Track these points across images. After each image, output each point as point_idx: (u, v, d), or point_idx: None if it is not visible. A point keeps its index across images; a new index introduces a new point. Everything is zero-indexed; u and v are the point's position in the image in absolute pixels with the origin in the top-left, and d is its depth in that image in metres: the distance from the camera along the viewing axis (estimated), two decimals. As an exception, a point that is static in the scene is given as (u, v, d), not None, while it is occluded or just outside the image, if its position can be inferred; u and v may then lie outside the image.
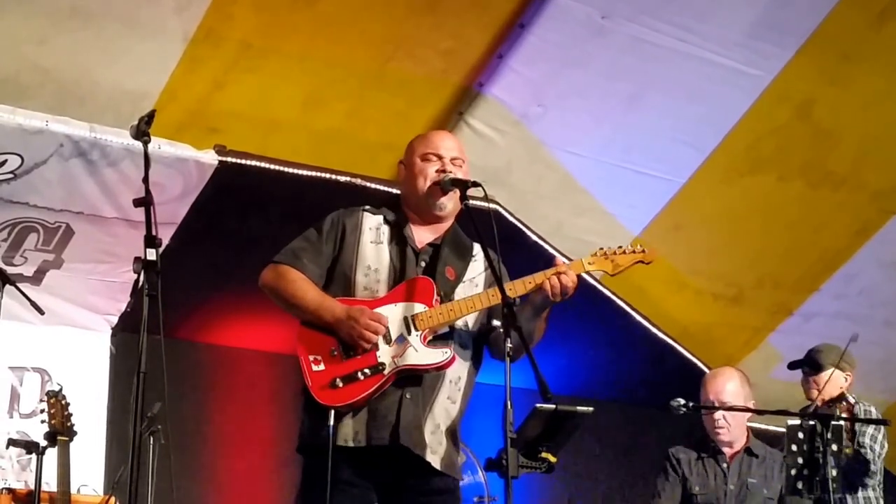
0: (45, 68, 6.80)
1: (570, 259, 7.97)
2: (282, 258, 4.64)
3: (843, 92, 7.72)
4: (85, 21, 6.66)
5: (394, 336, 4.45)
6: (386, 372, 4.41)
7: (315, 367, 4.45)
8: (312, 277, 4.59)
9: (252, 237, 7.47)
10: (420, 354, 4.45)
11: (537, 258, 7.82)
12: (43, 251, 7.46)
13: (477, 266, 4.76)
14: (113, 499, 6.32)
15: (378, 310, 4.46)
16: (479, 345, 4.75)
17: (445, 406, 4.59)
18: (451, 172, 4.66)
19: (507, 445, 4.47)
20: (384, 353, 4.42)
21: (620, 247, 4.71)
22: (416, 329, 4.47)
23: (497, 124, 7.67)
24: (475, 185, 4.81)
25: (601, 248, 4.68)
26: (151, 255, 4.50)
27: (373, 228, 4.72)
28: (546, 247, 8.10)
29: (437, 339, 4.52)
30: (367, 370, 4.40)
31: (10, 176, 7.00)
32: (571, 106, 7.68)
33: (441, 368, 4.49)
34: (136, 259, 4.59)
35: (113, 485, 6.76)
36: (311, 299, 4.53)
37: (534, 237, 8.09)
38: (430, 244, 4.71)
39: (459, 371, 4.62)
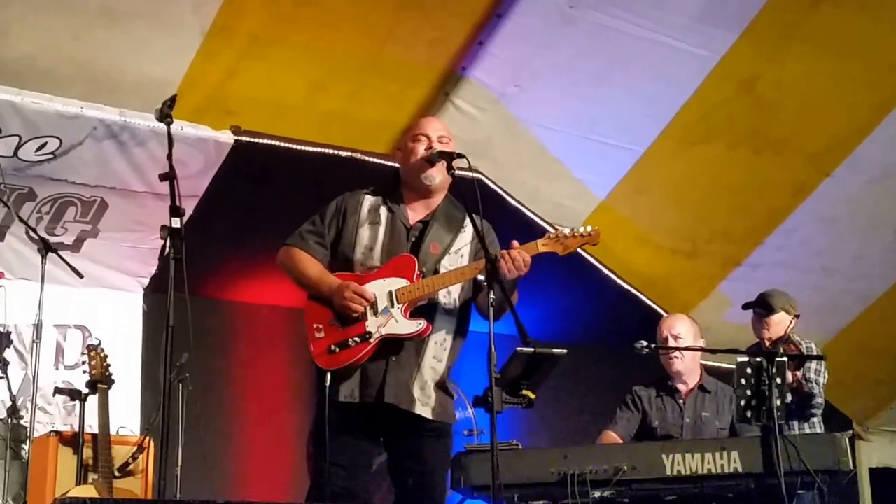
0: (80, 61, 6.79)
1: (547, 222, 8.08)
2: (291, 241, 4.80)
3: (781, 68, 7.73)
4: (113, 19, 6.65)
5: (380, 308, 4.55)
6: (372, 340, 4.53)
7: (317, 335, 4.62)
8: (316, 256, 4.73)
9: (265, 207, 7.52)
10: (400, 325, 4.55)
11: (518, 222, 7.94)
12: (81, 222, 7.44)
13: (465, 237, 4.79)
14: (148, 438, 6.31)
15: (367, 285, 4.57)
16: (464, 311, 4.82)
17: (432, 365, 4.69)
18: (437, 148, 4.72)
19: (492, 384, 4.52)
20: (371, 324, 4.53)
21: (572, 230, 4.76)
22: (399, 302, 4.56)
23: (479, 103, 7.66)
24: (460, 156, 4.84)
25: (554, 231, 4.77)
26: (176, 223, 4.56)
27: (371, 210, 4.79)
28: (525, 211, 8.15)
29: (420, 310, 4.61)
30: (356, 338, 4.53)
31: (50, 156, 6.99)
32: (543, 85, 7.66)
33: (418, 337, 4.58)
34: (163, 227, 4.63)
35: (147, 426, 6.81)
36: (312, 275, 4.68)
37: (514, 202, 8.11)
38: (421, 220, 4.77)
39: (445, 335, 4.72)
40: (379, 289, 4.57)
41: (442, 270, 4.66)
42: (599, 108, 7.82)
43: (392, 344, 4.57)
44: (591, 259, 8.39)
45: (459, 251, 4.77)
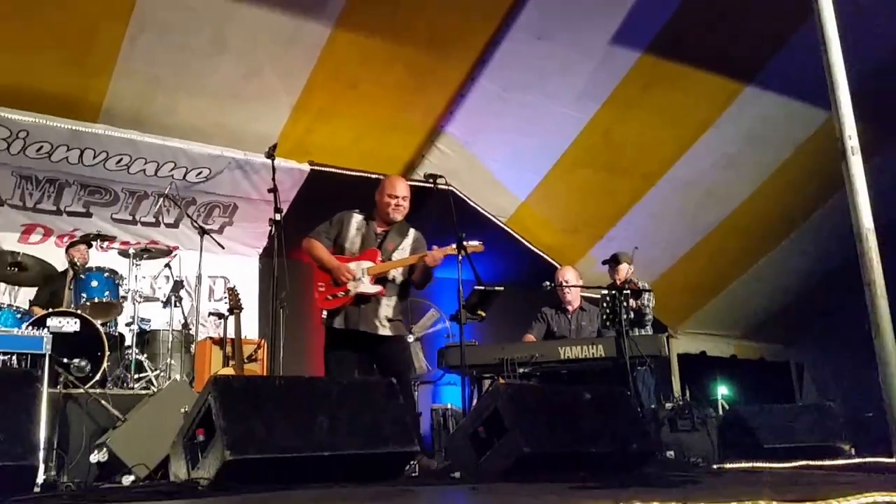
0: (220, 123, 6.79)
1: (492, 215, 8.04)
2: (311, 234, 4.91)
3: (625, 124, 7.67)
4: (239, 99, 6.69)
5: (357, 277, 4.71)
6: (350, 294, 4.70)
7: (320, 289, 4.80)
8: (324, 244, 4.84)
9: (327, 209, 7.50)
10: (366, 287, 4.72)
11: (476, 217, 7.94)
12: (222, 217, 7.41)
13: (408, 241, 4.93)
14: (263, 340, 6.36)
15: (350, 265, 4.74)
16: (404, 283, 4.90)
17: (386, 309, 4.77)
18: (401, 206, 4.92)
19: (461, 308, 4.62)
20: (351, 286, 4.71)
21: (466, 244, 4.81)
22: (367, 274, 4.72)
23: (452, 147, 7.63)
24: (440, 177, 4.93)
25: (451, 246, 4.81)
26: (278, 217, 4.77)
27: (357, 222, 4.92)
28: (480, 210, 8.07)
29: (380, 280, 4.76)
30: (341, 293, 4.72)
31: (204, 179, 6.98)
32: (489, 136, 7.63)
33: (376, 295, 4.73)
34: (271, 220, 4.70)
35: (263, 334, 6.87)
36: (322, 256, 4.81)
37: (473, 204, 8.00)
38: (383, 231, 4.91)
39: (392, 294, 4.80)
40: (357, 266, 4.74)
41: (394, 258, 4.82)
42: (521, 149, 7.77)
43: (363, 298, 4.70)
44: (518, 236, 8.42)
45: (405, 249, 4.89)
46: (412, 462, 4.04)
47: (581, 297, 6.47)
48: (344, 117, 7.08)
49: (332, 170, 7.26)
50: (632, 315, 5.91)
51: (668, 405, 6.19)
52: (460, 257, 4.64)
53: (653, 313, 6.41)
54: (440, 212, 7.05)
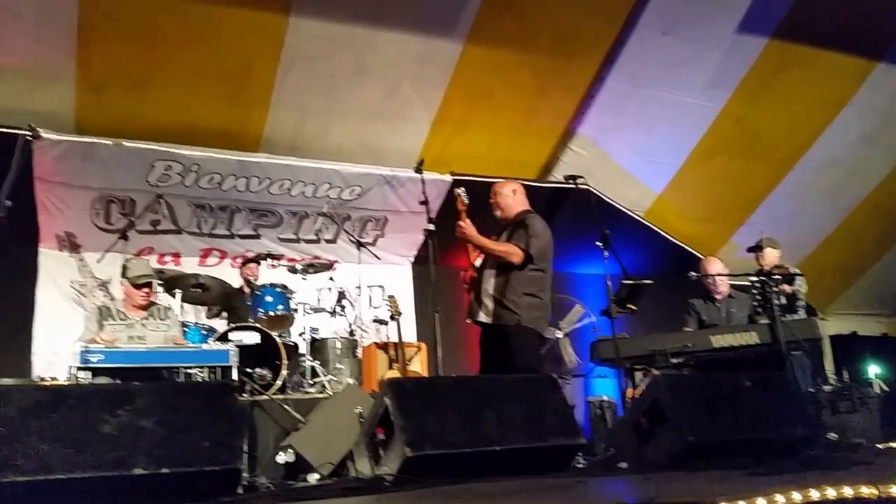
0: (367, 143, 6.92)
1: (625, 208, 7.79)
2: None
3: (757, 111, 7.33)
4: (383, 119, 6.80)
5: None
6: None
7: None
8: None
9: (471, 215, 7.48)
10: None
11: (614, 213, 7.71)
12: (376, 230, 7.48)
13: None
14: (421, 344, 6.41)
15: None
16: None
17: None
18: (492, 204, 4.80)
19: (610, 301, 4.45)
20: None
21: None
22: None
23: (584, 147, 7.47)
24: (580, 177, 4.80)
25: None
26: (431, 227, 4.70)
27: None
28: (615, 204, 7.84)
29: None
30: None
31: (357, 196, 7.10)
32: (620, 132, 7.41)
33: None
34: (426, 230, 4.68)
35: (420, 337, 6.91)
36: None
37: (608, 200, 7.70)
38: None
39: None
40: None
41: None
42: (654, 142, 7.51)
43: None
44: (657, 229, 8.14)
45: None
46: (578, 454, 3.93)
47: (729, 285, 6.12)
48: (479, 127, 7.09)
49: (472, 178, 7.23)
50: (783, 300, 5.53)
51: (827, 387, 5.83)
52: (606, 254, 4.47)
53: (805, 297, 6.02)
54: (578, 210, 6.93)
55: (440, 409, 3.42)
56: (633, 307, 4.85)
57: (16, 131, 5.42)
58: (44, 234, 6.31)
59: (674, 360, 5.20)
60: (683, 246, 8.24)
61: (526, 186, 5.03)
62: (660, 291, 6.23)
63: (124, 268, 5.06)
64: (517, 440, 3.42)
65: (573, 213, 7.02)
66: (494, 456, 3.38)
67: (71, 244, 6.46)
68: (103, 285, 6.54)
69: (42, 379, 5.02)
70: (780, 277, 5.30)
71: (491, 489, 3.01)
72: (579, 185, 5.07)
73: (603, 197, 7.48)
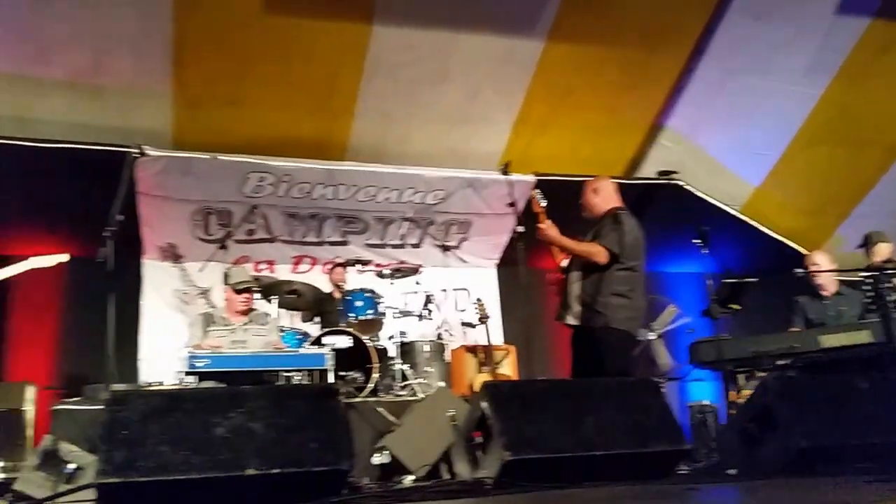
0: (450, 147, 6.99)
1: (724, 203, 7.59)
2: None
3: (860, 96, 7.02)
4: (467, 122, 6.86)
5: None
6: None
7: None
8: None
9: (554, 217, 7.41)
10: None
11: (708, 209, 7.52)
12: (460, 234, 7.57)
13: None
14: (510, 347, 6.43)
15: None
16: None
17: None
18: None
19: (710, 301, 4.35)
20: None
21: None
22: None
23: (673, 140, 7.33)
24: (674, 172, 4.71)
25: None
26: (521, 229, 4.65)
27: None
28: (707, 199, 7.62)
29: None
30: None
31: (440, 200, 7.21)
32: (712, 123, 7.24)
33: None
34: (514, 230, 4.66)
35: (507, 340, 6.95)
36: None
37: (700, 194, 7.53)
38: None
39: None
40: None
41: None
42: (749, 133, 7.29)
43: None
44: (755, 224, 7.90)
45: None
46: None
47: (837, 281, 5.88)
48: (562, 125, 7.06)
49: (556, 178, 7.20)
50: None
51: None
52: (706, 251, 4.37)
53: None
54: (669, 207, 6.82)
55: (538, 413, 3.45)
56: (736, 307, 4.73)
57: (121, 149, 5.82)
58: (147, 245, 6.70)
59: (779, 362, 5.04)
60: (785, 241, 7.98)
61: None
62: (761, 290, 6.07)
63: (226, 275, 5.31)
64: (619, 445, 3.42)
65: (664, 209, 6.93)
66: (595, 461, 3.39)
67: (173, 255, 6.82)
68: (204, 293, 6.87)
69: (149, 384, 5.30)
70: (894, 272, 5.06)
71: (594, 495, 3.03)
72: (673, 181, 4.97)
73: (696, 192, 7.34)
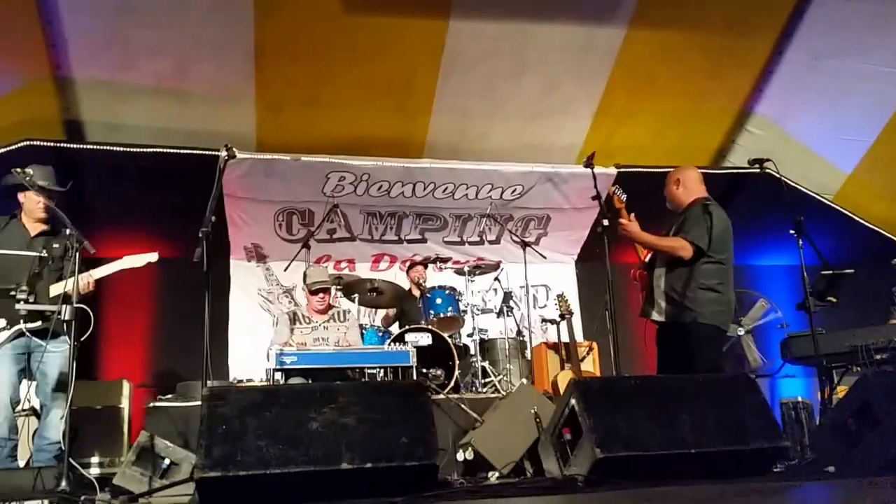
0: (527, 142, 7.02)
1: (815, 193, 7.35)
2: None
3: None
4: (543, 116, 6.83)
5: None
6: None
7: None
8: None
9: (635, 209, 7.35)
10: None
11: (799, 198, 7.25)
12: (538, 229, 7.59)
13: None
14: (593, 342, 6.39)
15: None
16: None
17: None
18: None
19: (807, 296, 4.24)
20: None
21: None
22: None
23: (762, 127, 7.17)
24: (766, 160, 4.59)
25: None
26: (605, 223, 4.53)
27: None
28: (798, 187, 7.41)
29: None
30: None
31: (518, 195, 7.23)
32: (802, 109, 7.04)
33: None
34: (599, 224, 4.55)
35: (588, 336, 6.90)
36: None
37: (792, 183, 7.14)
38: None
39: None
40: None
41: None
42: (841, 118, 7.06)
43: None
44: (848, 213, 7.64)
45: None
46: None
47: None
48: (645, 115, 6.98)
49: (636, 169, 7.08)
50: None
51: None
52: (801, 243, 4.26)
53: None
54: (758, 197, 6.64)
55: (629, 410, 3.45)
56: (833, 300, 4.59)
57: (208, 152, 6.05)
58: (233, 246, 6.98)
59: (878, 357, 4.87)
60: (880, 231, 7.70)
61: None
62: (856, 282, 5.85)
63: (304, 275, 5.47)
64: (714, 443, 3.38)
65: (752, 200, 6.75)
66: (689, 459, 3.36)
67: (258, 254, 7.08)
68: (288, 292, 7.11)
69: (239, 381, 5.49)
70: None
71: (691, 493, 3.00)
72: (766, 170, 4.82)
73: (784, 179, 7.13)
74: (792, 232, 4.37)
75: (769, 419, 3.50)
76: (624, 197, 4.59)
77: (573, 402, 3.49)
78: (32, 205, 4.37)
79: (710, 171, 6.84)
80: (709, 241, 4.27)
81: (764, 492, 2.97)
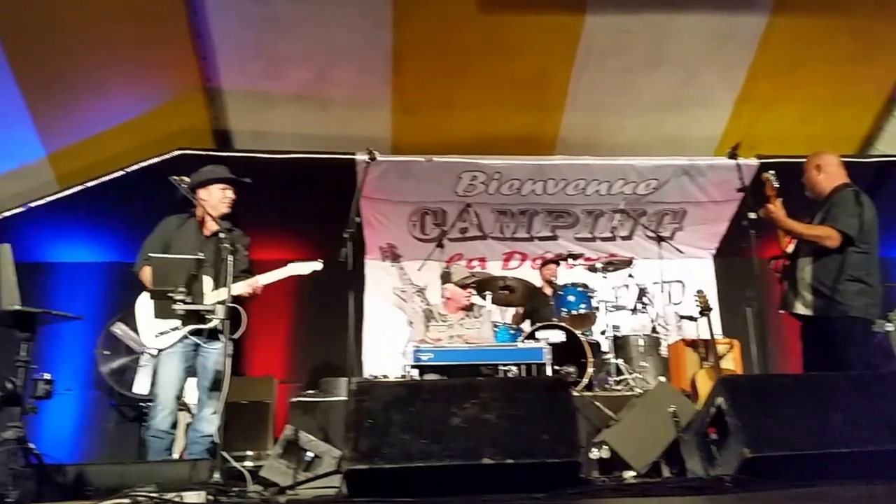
0: (663, 135, 6.89)
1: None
2: None
3: None
4: (680, 108, 6.66)
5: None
6: None
7: None
8: None
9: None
10: None
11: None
12: (673, 224, 7.44)
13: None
14: (733, 340, 6.14)
15: None
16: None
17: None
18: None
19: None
20: None
21: None
22: None
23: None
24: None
25: None
26: (752, 216, 4.25)
27: None
28: None
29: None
30: None
31: (653, 190, 7.11)
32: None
33: None
34: (748, 218, 4.27)
35: (728, 333, 6.64)
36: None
37: None
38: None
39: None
40: None
41: None
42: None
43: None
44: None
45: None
46: None
47: None
48: (787, 103, 6.71)
49: (781, 160, 6.81)
50: None
51: None
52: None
53: None
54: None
55: (779, 409, 3.34)
56: None
57: (347, 156, 6.30)
58: (369, 246, 7.24)
59: None
60: None
61: (845, 163, 4.62)
62: None
63: (447, 273, 5.63)
64: (872, 442, 3.23)
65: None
66: (844, 459, 3.23)
67: (392, 254, 7.33)
68: (420, 291, 7.30)
69: (376, 377, 5.67)
70: None
71: (849, 493, 2.89)
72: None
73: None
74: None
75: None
76: (777, 184, 4.43)
77: (720, 400, 3.42)
78: (217, 200, 4.33)
79: (857, 160, 6.48)
80: (859, 230, 4.10)
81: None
